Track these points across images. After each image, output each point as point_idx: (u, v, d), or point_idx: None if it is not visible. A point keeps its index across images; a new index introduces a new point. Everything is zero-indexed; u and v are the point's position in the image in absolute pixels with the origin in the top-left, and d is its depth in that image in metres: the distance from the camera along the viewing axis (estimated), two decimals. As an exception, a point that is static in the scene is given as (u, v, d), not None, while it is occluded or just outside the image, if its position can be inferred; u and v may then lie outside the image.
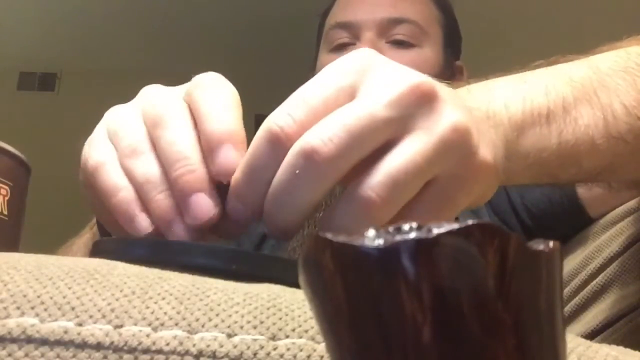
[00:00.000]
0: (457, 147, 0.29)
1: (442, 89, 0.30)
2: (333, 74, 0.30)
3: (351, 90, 0.30)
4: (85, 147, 0.35)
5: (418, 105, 0.29)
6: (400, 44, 0.86)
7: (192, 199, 0.31)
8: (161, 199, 0.32)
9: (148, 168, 0.32)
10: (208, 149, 0.31)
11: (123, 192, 0.32)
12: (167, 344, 0.21)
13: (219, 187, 0.32)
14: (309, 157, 0.28)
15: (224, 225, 0.32)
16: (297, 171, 0.28)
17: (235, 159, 0.31)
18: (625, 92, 0.38)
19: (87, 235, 0.55)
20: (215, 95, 0.33)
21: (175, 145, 0.31)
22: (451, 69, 0.92)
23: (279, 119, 0.29)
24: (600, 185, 0.49)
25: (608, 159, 0.37)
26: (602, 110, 0.37)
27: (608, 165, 0.38)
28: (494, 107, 0.34)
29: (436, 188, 0.30)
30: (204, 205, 0.31)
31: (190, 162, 0.31)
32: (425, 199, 0.30)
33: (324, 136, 0.28)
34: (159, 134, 0.32)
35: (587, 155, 0.36)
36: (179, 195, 0.31)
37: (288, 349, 0.21)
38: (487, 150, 0.31)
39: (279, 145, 0.29)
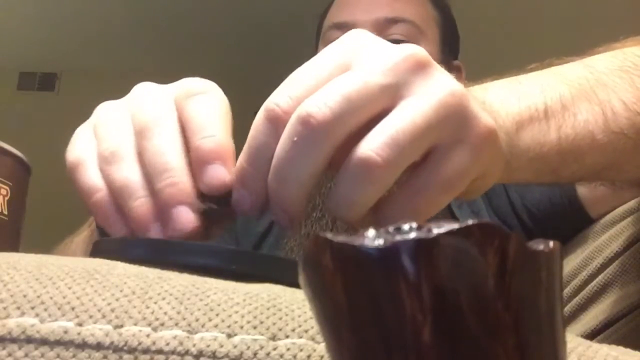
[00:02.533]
0: (456, 111, 0.29)
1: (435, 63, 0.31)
2: (327, 54, 0.31)
3: (345, 66, 0.30)
4: (70, 141, 0.36)
5: (413, 72, 0.29)
6: (397, 44, 0.86)
7: (174, 211, 0.31)
8: (138, 206, 0.32)
9: (127, 174, 0.32)
10: (197, 163, 0.32)
11: (99, 193, 0.33)
12: (167, 344, 0.21)
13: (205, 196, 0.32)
14: (306, 122, 0.28)
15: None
16: (295, 138, 0.28)
17: (224, 176, 0.31)
18: (623, 89, 0.38)
19: (85, 233, 0.55)
20: (207, 107, 0.33)
21: (161, 156, 0.32)
22: (449, 69, 0.92)
23: (275, 98, 0.30)
24: (604, 184, 0.49)
25: (609, 155, 0.37)
26: (601, 105, 0.37)
27: (610, 161, 0.38)
28: (490, 103, 0.34)
29: (440, 154, 0.29)
30: (186, 217, 0.31)
31: (175, 174, 0.31)
32: (430, 167, 0.29)
33: (320, 102, 0.28)
34: (146, 143, 0.32)
35: (588, 150, 0.36)
36: (162, 205, 0.32)
37: (288, 349, 0.21)
38: (488, 117, 0.30)
39: (277, 121, 0.29)
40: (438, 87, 0.29)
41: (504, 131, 0.33)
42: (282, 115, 0.29)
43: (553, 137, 0.35)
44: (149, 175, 0.32)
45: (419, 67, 0.29)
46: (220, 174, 0.31)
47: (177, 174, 0.31)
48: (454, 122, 0.29)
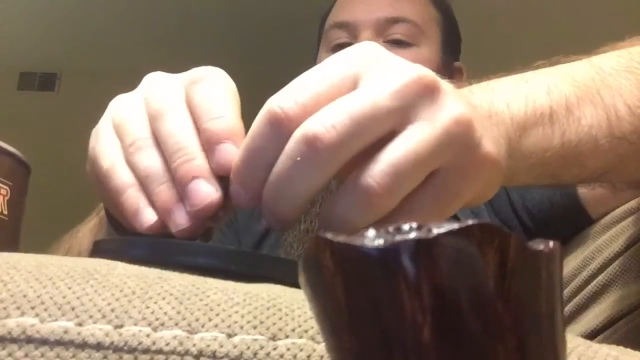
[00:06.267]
0: (459, 139, 0.29)
1: (444, 83, 0.30)
2: (338, 62, 0.31)
3: (354, 79, 0.30)
4: (92, 140, 0.36)
5: (420, 96, 0.29)
6: (397, 44, 0.86)
7: (191, 185, 0.31)
8: (162, 190, 0.32)
9: (149, 162, 0.33)
10: (207, 144, 0.32)
11: (130, 189, 0.33)
12: (167, 344, 0.21)
13: (222, 178, 0.32)
14: (311, 144, 0.27)
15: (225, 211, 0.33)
16: (298, 158, 0.28)
17: (235, 154, 0.31)
18: (628, 92, 0.37)
19: (94, 221, 0.55)
20: (214, 91, 0.33)
21: (173, 137, 0.32)
22: (450, 70, 0.92)
23: (280, 101, 0.29)
24: (604, 186, 0.49)
25: (611, 159, 0.37)
26: (606, 110, 0.37)
27: (611, 165, 0.38)
28: (496, 106, 0.34)
29: (439, 180, 0.29)
30: (203, 189, 0.31)
31: (188, 152, 0.32)
32: (427, 191, 0.29)
33: (327, 123, 0.27)
34: (159, 127, 0.33)
35: (590, 155, 0.36)
36: (179, 183, 0.32)
37: (288, 349, 0.21)
38: (490, 143, 0.31)
39: (279, 127, 0.29)
40: (444, 113, 0.29)
41: (507, 140, 0.33)
42: (286, 121, 0.29)
43: (556, 143, 0.35)
44: (167, 157, 0.32)
45: (427, 91, 0.29)
46: (231, 152, 0.31)
47: (189, 151, 0.32)
48: (456, 150, 0.29)
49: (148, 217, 0.33)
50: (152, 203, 0.33)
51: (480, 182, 0.31)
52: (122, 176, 0.34)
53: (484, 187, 0.32)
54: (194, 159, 0.31)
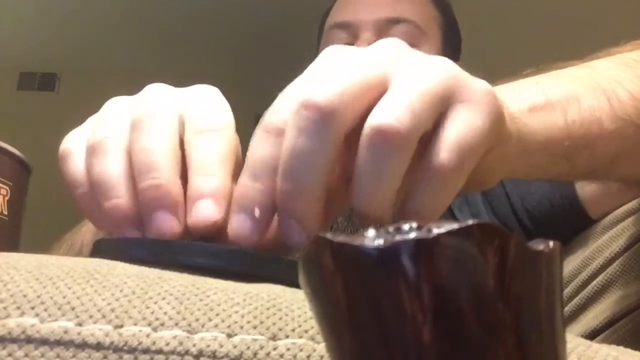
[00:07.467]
0: (454, 77, 0.29)
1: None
2: (365, 57, 0.30)
3: (386, 76, 0.30)
4: None
5: (398, 59, 0.29)
6: None
7: (154, 215, 0.29)
8: (114, 207, 0.30)
9: (106, 169, 0.31)
10: (189, 199, 0.30)
11: (82, 188, 0.32)
12: (167, 344, 0.21)
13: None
14: (309, 106, 0.27)
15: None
16: (301, 123, 0.27)
17: (212, 212, 0.29)
18: (627, 80, 0.37)
19: None
20: (213, 146, 0.31)
21: (149, 154, 0.30)
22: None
23: (272, 117, 0.29)
24: (617, 182, 0.48)
25: (619, 143, 0.37)
26: (606, 94, 0.36)
27: (620, 151, 0.37)
28: None
29: (449, 115, 0.29)
30: (168, 225, 0.29)
31: (160, 175, 0.29)
32: (443, 128, 0.28)
33: (319, 88, 0.27)
34: (136, 137, 0.31)
35: (597, 137, 0.36)
36: (143, 207, 0.30)
37: (288, 349, 0.21)
38: (485, 82, 0.31)
39: (278, 132, 0.29)
40: (429, 62, 0.29)
41: (512, 120, 0.33)
42: (284, 126, 0.28)
43: (561, 122, 0.35)
44: (135, 172, 0.30)
45: (402, 53, 0.30)
46: (208, 209, 0.30)
47: (162, 175, 0.29)
48: (454, 87, 0.29)
49: (103, 224, 0.33)
50: (103, 211, 0.31)
51: (490, 114, 0.29)
52: (76, 169, 0.32)
53: (497, 126, 0.30)
54: (164, 185, 0.29)
